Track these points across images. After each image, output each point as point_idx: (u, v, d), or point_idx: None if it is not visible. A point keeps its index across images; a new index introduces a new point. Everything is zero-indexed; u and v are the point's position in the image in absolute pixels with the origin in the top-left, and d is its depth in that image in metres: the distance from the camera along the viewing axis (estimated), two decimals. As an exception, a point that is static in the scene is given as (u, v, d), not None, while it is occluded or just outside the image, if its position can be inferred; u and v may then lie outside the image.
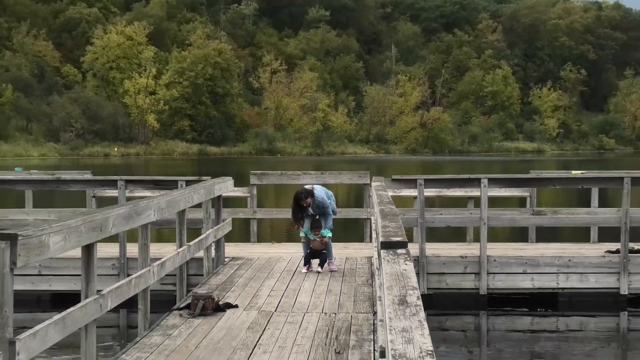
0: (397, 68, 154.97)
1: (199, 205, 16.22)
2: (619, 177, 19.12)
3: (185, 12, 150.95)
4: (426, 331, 4.57)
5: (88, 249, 9.11)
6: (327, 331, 11.30)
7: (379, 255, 7.73)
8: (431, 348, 4.14)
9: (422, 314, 5.10)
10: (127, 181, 19.26)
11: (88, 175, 22.19)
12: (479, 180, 19.11)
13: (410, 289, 5.82)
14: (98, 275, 9.99)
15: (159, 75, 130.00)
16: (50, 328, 7.84)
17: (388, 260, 6.94)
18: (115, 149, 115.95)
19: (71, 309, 8.43)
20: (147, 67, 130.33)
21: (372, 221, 15.67)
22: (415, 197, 19.14)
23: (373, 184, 17.76)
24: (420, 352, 3.94)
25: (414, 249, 18.41)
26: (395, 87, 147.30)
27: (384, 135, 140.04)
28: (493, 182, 19.55)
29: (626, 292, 17.97)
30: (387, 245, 7.38)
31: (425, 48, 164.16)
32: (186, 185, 16.58)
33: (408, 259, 6.97)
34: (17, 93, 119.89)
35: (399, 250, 7.14)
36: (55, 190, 21.92)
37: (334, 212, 16.86)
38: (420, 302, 5.52)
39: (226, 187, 17.92)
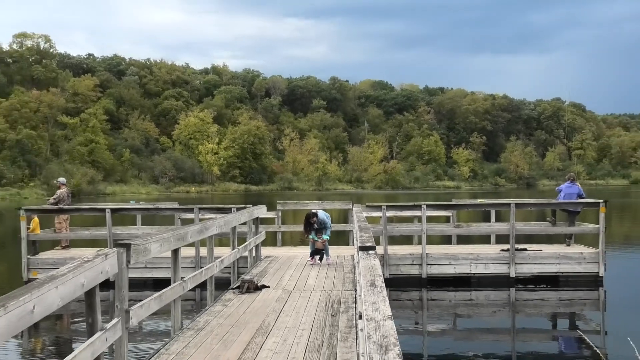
0: (368, 136, 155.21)
1: (245, 223, 16.22)
2: (508, 203, 19.15)
3: (236, 103, 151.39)
4: (387, 303, 4.55)
5: (175, 252, 9.19)
6: (326, 302, 11.27)
7: (358, 254, 7.73)
8: (390, 313, 4.12)
9: (385, 292, 5.10)
10: (200, 208, 19.33)
11: (175, 205, 22.31)
12: (420, 206, 19.10)
13: (378, 276, 5.82)
14: (182, 267, 9.99)
15: (220, 142, 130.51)
16: (152, 301, 7.87)
17: (363, 258, 6.97)
18: (193, 189, 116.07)
19: (165, 289, 8.48)
20: (212, 138, 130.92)
21: (354, 232, 15.62)
22: (380, 217, 19.10)
23: (354, 208, 17.87)
24: (384, 316, 3.92)
25: (380, 249, 18.35)
26: (367, 148, 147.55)
27: (361, 178, 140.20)
28: (429, 207, 19.54)
29: (514, 275, 17.93)
30: (363, 249, 7.42)
31: (386, 124, 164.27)
32: (237, 211, 16.63)
33: (376, 256, 6.99)
34: (132, 154, 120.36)
35: (370, 252, 7.19)
36: (155, 214, 21.84)
37: (330, 227, 16.85)
38: (383, 285, 5.51)
39: (261, 211, 18.00)
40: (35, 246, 18.44)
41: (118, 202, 60.42)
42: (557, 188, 20.86)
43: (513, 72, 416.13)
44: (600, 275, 17.98)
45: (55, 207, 19.34)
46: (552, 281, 18.17)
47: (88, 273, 6.21)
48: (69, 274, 5.87)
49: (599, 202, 18.55)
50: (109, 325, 6.66)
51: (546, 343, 13.56)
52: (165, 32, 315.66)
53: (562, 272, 18.24)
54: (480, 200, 22.96)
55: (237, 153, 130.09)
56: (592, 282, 17.95)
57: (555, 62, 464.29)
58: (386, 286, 16.32)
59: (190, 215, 19.54)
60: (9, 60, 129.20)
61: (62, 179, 20.98)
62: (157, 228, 18.56)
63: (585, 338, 13.55)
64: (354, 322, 9.28)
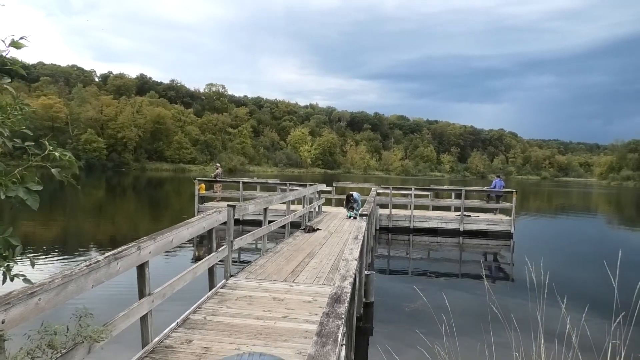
0: (393, 146, 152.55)
1: (313, 193, 16.03)
2: (460, 189, 18.45)
3: (321, 124, 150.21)
4: (358, 249, 4.38)
5: (265, 209, 9.09)
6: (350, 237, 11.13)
7: (358, 218, 7.52)
8: (357, 255, 3.94)
9: (360, 242, 4.92)
10: (290, 183, 19.04)
11: (277, 181, 21.94)
12: (411, 188, 18.70)
13: (361, 232, 5.62)
14: (273, 215, 9.95)
15: (312, 145, 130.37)
16: (248, 236, 7.82)
17: (359, 220, 6.77)
18: (294, 171, 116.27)
19: (256, 230, 8.42)
20: (308, 143, 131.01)
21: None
22: (388, 193, 18.73)
23: (373, 188, 17.37)
24: (353, 258, 3.76)
25: (387, 211, 18.06)
26: (393, 152, 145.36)
27: (388, 168, 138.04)
28: (416, 189, 19.11)
29: (462, 230, 17.45)
30: (361, 215, 7.22)
31: (404, 139, 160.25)
32: (309, 186, 16.37)
33: (365, 220, 6.76)
34: (264, 150, 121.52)
35: (364, 217, 6.98)
36: (265, 185, 21.48)
37: (359, 203, 16.38)
38: (361, 237, 5.32)
39: (322, 187, 17.55)
40: (203, 199, 18.79)
41: (254, 176, 61.04)
42: (492, 184, 20.08)
43: (479, 112, 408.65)
44: (512, 232, 17.39)
45: (213, 179, 19.68)
46: (484, 234, 17.64)
47: (208, 221, 6.24)
48: (196, 221, 5.91)
49: (512, 191, 17.90)
50: (220, 249, 6.70)
51: (479, 268, 13.26)
52: (287, 84, 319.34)
53: (490, 229, 17.71)
54: (445, 186, 22.22)
55: (321, 152, 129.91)
56: (507, 235, 17.37)
57: (502, 108, 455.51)
58: (388, 232, 16.00)
59: (284, 187, 19.25)
60: (203, 97, 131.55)
61: (217, 164, 21.27)
62: (266, 193, 18.53)
63: (501, 267, 13.29)
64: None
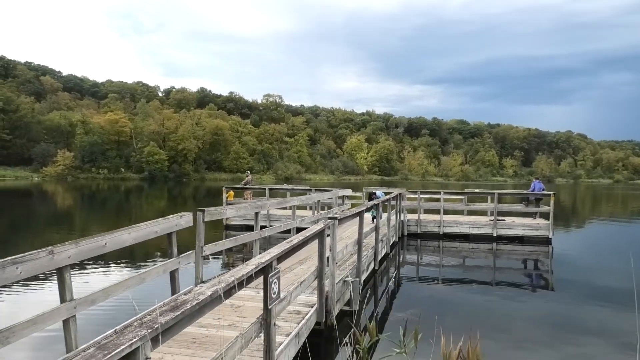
0: (453, 151, 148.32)
1: (332, 198, 15.55)
2: (493, 192, 17.40)
3: (378, 131, 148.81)
4: (275, 252, 4.02)
5: (257, 214, 8.86)
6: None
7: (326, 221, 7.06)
8: (265, 260, 3.57)
9: (289, 245, 4.57)
10: (316, 189, 17.66)
11: (305, 187, 20.30)
12: (440, 192, 17.90)
13: (299, 238, 5.25)
14: (274, 221, 9.66)
15: (368, 152, 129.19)
16: (227, 241, 7.62)
17: (323, 224, 6.38)
18: (350, 178, 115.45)
19: (242, 234, 8.20)
20: (364, 150, 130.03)
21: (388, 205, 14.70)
22: (416, 198, 17.94)
23: (394, 192, 16.43)
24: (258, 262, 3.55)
25: (416, 216, 17.41)
26: (452, 157, 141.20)
27: (447, 174, 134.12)
28: (446, 193, 18.30)
29: (495, 235, 16.46)
30: (330, 217, 6.77)
31: (464, 144, 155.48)
32: (331, 191, 15.89)
33: (330, 221, 6.35)
34: (320, 158, 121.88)
35: (329, 221, 6.54)
36: (293, 191, 20.52)
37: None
38: (297, 241, 4.95)
39: (347, 192, 17.13)
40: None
41: (311, 184, 60.95)
42: (531, 187, 18.81)
43: (545, 114, 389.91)
44: (550, 237, 16.20)
45: (243, 186, 19.77)
46: (519, 239, 16.55)
47: (162, 225, 6.10)
48: (143, 225, 5.77)
49: (550, 193, 16.67)
50: (183, 254, 6.54)
51: (515, 276, 12.45)
52: (347, 92, 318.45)
53: (526, 235, 16.57)
54: (477, 190, 21.04)
55: (377, 159, 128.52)
56: (545, 241, 16.20)
57: (571, 109, 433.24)
58: (417, 238, 15.37)
59: (310, 193, 18.58)
60: (261, 108, 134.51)
61: (248, 171, 21.33)
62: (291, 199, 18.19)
63: (540, 274, 12.51)
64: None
